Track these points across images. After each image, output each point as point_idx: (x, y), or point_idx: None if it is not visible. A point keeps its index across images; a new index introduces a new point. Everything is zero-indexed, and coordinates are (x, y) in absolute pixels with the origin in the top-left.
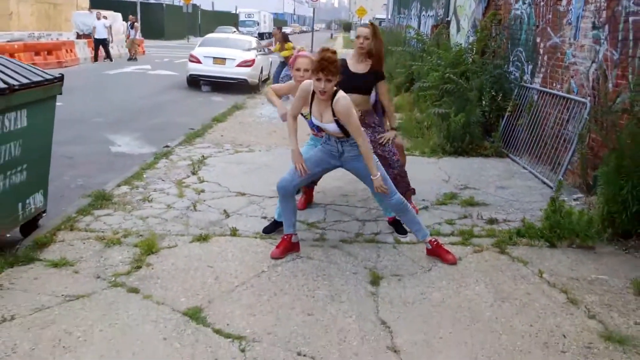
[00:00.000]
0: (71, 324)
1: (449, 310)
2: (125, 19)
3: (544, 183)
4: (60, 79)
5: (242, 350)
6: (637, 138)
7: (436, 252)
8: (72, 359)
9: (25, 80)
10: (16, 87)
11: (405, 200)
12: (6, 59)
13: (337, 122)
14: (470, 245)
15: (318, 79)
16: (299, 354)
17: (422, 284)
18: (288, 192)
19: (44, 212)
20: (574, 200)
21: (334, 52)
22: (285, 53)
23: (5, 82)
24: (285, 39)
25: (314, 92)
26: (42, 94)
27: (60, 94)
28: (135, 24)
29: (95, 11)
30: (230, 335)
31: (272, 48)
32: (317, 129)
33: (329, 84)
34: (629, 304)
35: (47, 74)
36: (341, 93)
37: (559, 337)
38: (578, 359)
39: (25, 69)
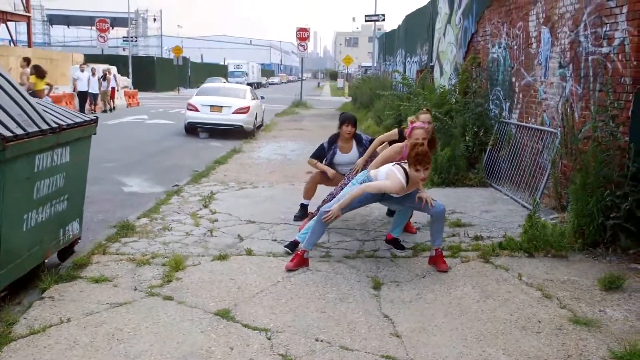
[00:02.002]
0: (120, 323)
1: (442, 305)
2: (118, 71)
3: (524, 207)
4: (95, 120)
5: (269, 338)
6: (597, 158)
7: (435, 260)
8: (127, 347)
9: (69, 121)
10: (64, 127)
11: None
12: (52, 104)
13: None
14: (458, 257)
15: (417, 170)
16: (317, 339)
17: (417, 288)
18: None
19: (79, 238)
20: (550, 219)
21: (423, 144)
22: (39, 86)
23: (55, 123)
24: (39, 72)
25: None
26: (81, 133)
27: (95, 133)
28: (108, 75)
29: (90, 65)
30: (257, 328)
31: (25, 80)
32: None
33: (427, 171)
34: (595, 297)
35: (85, 116)
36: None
37: (534, 322)
38: (551, 338)
39: (68, 112)
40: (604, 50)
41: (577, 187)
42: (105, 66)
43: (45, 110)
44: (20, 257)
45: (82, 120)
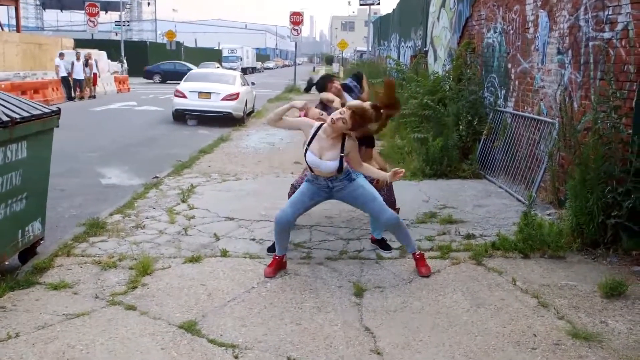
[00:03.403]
0: (73, 339)
1: (428, 316)
2: (108, 57)
3: (519, 201)
4: (57, 112)
5: (236, 357)
6: (598, 152)
7: (416, 265)
8: None
9: (25, 114)
10: (18, 120)
11: (399, 217)
12: (7, 95)
13: (341, 158)
14: (448, 259)
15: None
16: (288, 358)
17: (403, 295)
18: (288, 226)
19: (42, 239)
20: (547, 215)
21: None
22: None
23: (7, 116)
24: None
25: (317, 131)
26: (40, 127)
27: (57, 126)
28: (90, 61)
29: (78, 50)
30: (224, 344)
31: None
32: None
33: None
34: (596, 305)
35: (45, 107)
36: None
37: (530, 336)
38: (547, 355)
39: (25, 103)
40: (606, 35)
41: (576, 182)
42: (87, 51)
43: None
44: None
45: (40, 112)
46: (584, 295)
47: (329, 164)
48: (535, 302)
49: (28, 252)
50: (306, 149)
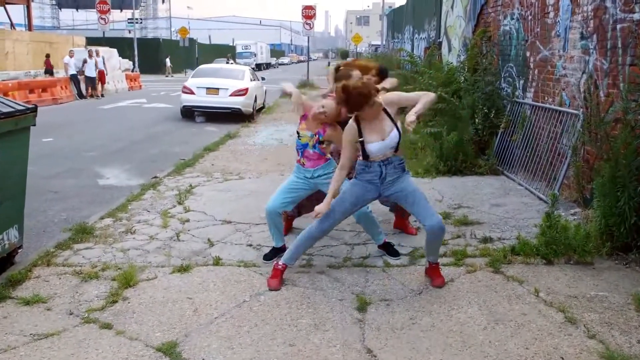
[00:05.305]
0: None
1: (440, 335)
2: (121, 54)
3: (540, 199)
4: (33, 109)
5: None
6: (630, 147)
7: (430, 274)
8: None
9: None
10: None
11: (444, 226)
12: None
13: (395, 126)
14: (463, 266)
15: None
16: None
17: (411, 309)
18: (322, 235)
19: (20, 247)
20: (572, 215)
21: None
22: None
23: None
24: None
25: (358, 123)
26: (12, 126)
27: (34, 125)
28: (96, 58)
29: (90, 48)
30: None
31: None
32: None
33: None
34: (631, 321)
35: (19, 105)
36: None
37: (556, 359)
38: None
39: None
40: (636, 16)
41: (604, 180)
42: (94, 48)
43: None
44: None
45: (12, 109)
46: (617, 309)
47: (392, 135)
48: (562, 317)
49: (4, 262)
50: (363, 146)
